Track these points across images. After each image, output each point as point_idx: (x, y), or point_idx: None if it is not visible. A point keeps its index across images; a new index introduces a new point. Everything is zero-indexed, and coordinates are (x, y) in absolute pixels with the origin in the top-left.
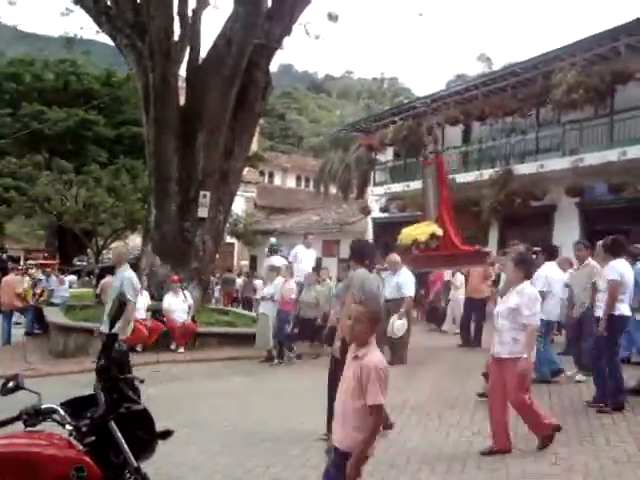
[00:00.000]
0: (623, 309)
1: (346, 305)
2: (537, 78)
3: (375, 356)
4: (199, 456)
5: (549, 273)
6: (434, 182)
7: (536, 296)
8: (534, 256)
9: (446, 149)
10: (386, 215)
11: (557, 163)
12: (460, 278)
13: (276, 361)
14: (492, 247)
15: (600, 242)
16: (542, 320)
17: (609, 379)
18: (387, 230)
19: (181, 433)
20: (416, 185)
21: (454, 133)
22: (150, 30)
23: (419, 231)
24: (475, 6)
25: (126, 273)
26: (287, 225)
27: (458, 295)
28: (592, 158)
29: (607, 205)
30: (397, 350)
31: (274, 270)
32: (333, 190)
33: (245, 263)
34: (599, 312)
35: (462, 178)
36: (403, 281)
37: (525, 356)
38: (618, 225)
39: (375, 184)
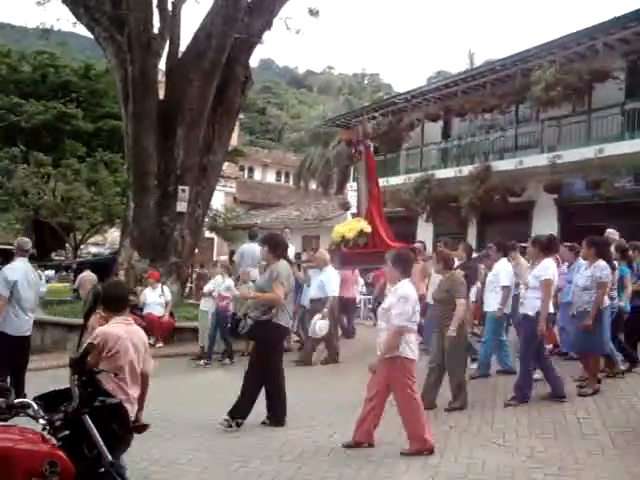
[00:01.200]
0: (550, 306)
1: (276, 293)
2: (516, 75)
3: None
4: (176, 451)
5: (509, 268)
6: (365, 177)
7: (406, 296)
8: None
9: (425, 145)
10: None
11: (535, 160)
12: None
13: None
14: (471, 243)
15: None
16: (506, 314)
17: (519, 374)
18: None
19: (158, 428)
20: (395, 181)
21: (434, 129)
22: (129, 22)
23: (348, 228)
24: (460, 2)
25: (10, 264)
26: (267, 220)
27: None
28: (570, 155)
29: (585, 202)
30: (329, 349)
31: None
32: (313, 185)
33: (224, 258)
34: (524, 309)
35: (441, 174)
36: (327, 279)
37: (379, 354)
38: (595, 222)
39: (355, 179)
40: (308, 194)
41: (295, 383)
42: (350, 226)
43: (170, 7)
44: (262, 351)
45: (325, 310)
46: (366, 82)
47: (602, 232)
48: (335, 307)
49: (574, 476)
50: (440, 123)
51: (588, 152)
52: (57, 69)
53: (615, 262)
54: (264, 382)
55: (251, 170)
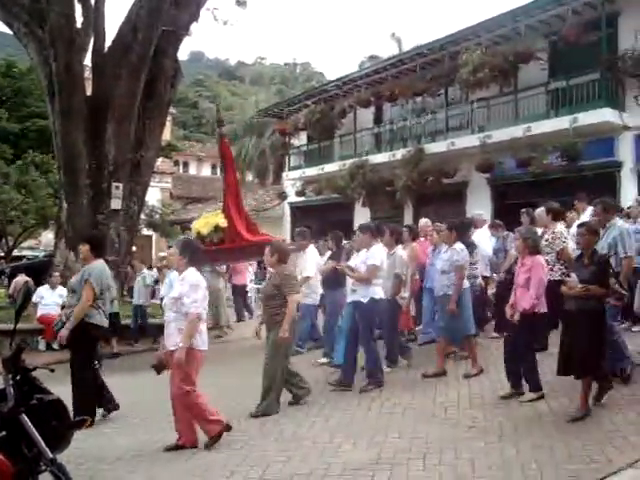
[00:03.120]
0: (380, 292)
1: (84, 296)
2: (444, 58)
3: None
4: (120, 449)
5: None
6: (221, 167)
7: (197, 283)
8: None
9: (359, 131)
10: (302, 199)
11: (467, 141)
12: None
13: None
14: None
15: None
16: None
17: (367, 361)
18: (304, 214)
19: (102, 427)
20: (331, 168)
21: (366, 115)
22: (50, 17)
23: (203, 223)
24: None
25: None
26: (204, 214)
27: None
28: (499, 134)
29: (516, 180)
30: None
31: None
32: (249, 177)
33: (163, 254)
34: (355, 296)
35: (375, 159)
36: (175, 278)
37: (181, 345)
38: (527, 199)
39: (290, 169)
40: (245, 186)
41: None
42: (206, 221)
43: (93, 0)
44: (74, 348)
45: None
46: (298, 71)
47: (534, 208)
48: None
49: (513, 442)
50: (372, 109)
51: (517, 131)
52: None
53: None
54: (73, 378)
55: (186, 164)
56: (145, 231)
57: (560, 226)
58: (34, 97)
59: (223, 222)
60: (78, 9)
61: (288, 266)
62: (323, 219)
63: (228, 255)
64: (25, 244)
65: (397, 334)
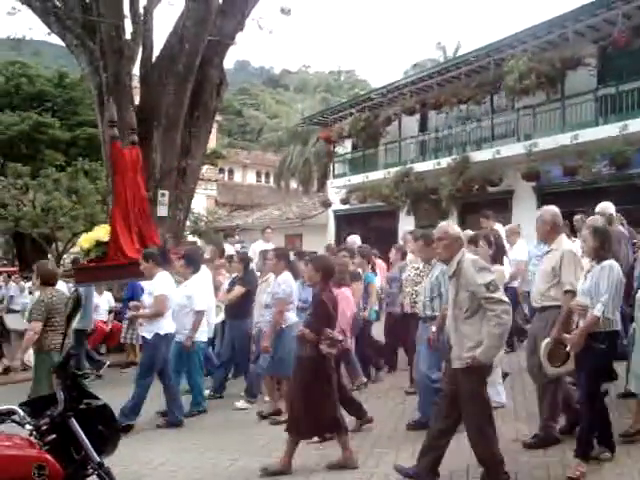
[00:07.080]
0: (168, 327)
1: None
2: (490, 66)
3: None
4: (166, 453)
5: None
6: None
7: None
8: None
9: (403, 139)
10: (347, 207)
11: (512, 149)
12: None
13: None
14: None
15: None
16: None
17: (132, 399)
18: (348, 222)
19: (148, 432)
20: (375, 176)
21: (411, 123)
22: (100, 29)
23: (86, 238)
24: None
25: None
26: (249, 221)
27: None
28: (546, 142)
29: (563, 188)
30: None
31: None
32: (294, 184)
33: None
34: (142, 331)
35: (420, 167)
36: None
37: None
38: (574, 207)
39: (335, 176)
40: (289, 193)
41: None
42: (89, 236)
43: (142, 11)
44: None
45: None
46: (342, 79)
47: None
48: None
49: (559, 456)
50: (417, 116)
51: (564, 139)
52: (30, 79)
53: None
54: None
55: (231, 172)
56: (190, 237)
57: None
58: (84, 106)
59: (105, 237)
60: (127, 20)
61: (48, 289)
62: (367, 227)
63: (108, 273)
64: (74, 250)
65: None
